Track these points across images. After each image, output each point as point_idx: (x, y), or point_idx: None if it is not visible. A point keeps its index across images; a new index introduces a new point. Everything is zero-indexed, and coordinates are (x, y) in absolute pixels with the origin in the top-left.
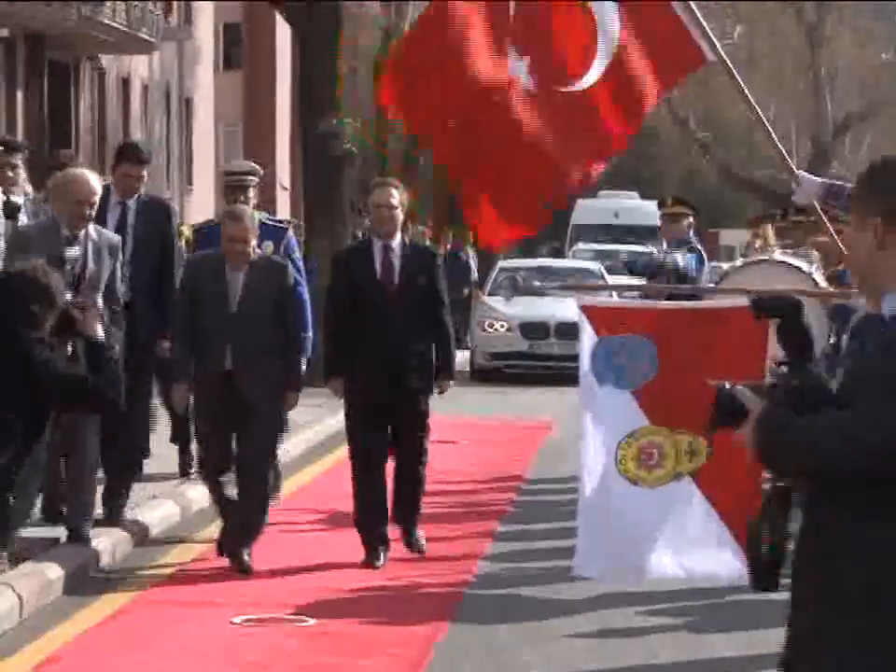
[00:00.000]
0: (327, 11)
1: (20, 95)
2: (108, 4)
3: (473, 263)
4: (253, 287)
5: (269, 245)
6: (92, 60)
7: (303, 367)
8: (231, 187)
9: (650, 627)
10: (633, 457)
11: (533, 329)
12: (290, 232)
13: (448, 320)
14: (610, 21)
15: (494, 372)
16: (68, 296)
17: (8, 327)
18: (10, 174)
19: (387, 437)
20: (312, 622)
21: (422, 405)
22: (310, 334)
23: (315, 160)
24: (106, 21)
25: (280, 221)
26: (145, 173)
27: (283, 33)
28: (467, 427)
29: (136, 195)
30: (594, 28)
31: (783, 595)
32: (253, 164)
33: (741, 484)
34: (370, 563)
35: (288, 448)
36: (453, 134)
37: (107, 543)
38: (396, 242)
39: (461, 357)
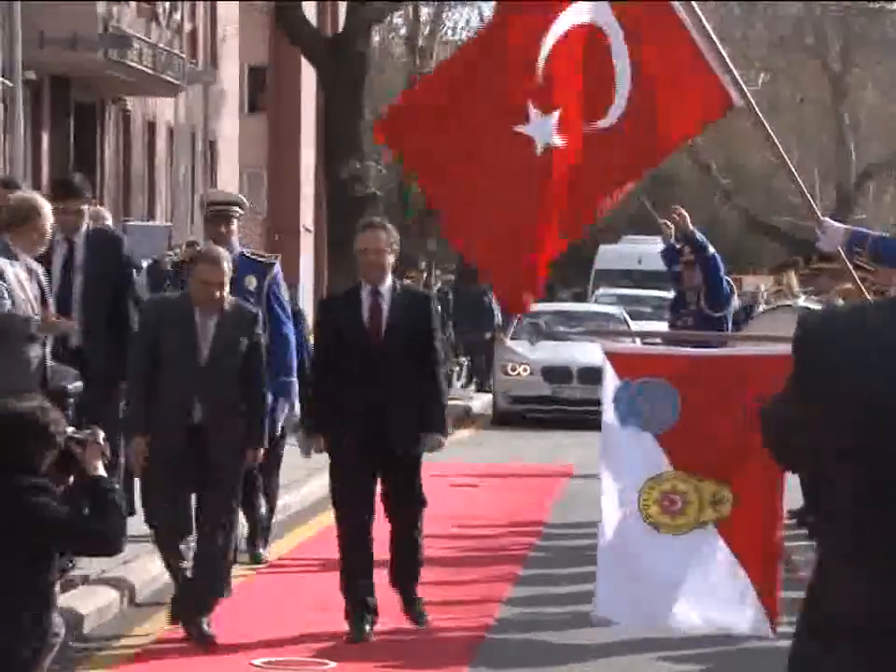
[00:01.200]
0: (351, 54)
1: (45, 138)
2: (135, 47)
3: (497, 306)
4: (225, 337)
5: (251, 281)
6: (118, 102)
7: (294, 411)
8: (214, 217)
9: None
10: (655, 502)
11: (555, 374)
12: (278, 268)
13: (441, 371)
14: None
15: (515, 416)
16: (69, 430)
17: (4, 472)
18: None
19: (373, 499)
20: (332, 664)
21: (412, 468)
22: (294, 378)
23: (339, 202)
24: (132, 64)
25: (263, 256)
26: (84, 207)
27: (308, 76)
28: (487, 471)
29: (81, 230)
30: (612, 65)
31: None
32: (237, 195)
33: (765, 537)
34: (352, 636)
35: (305, 492)
36: (458, 199)
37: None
38: (385, 286)
39: (483, 401)
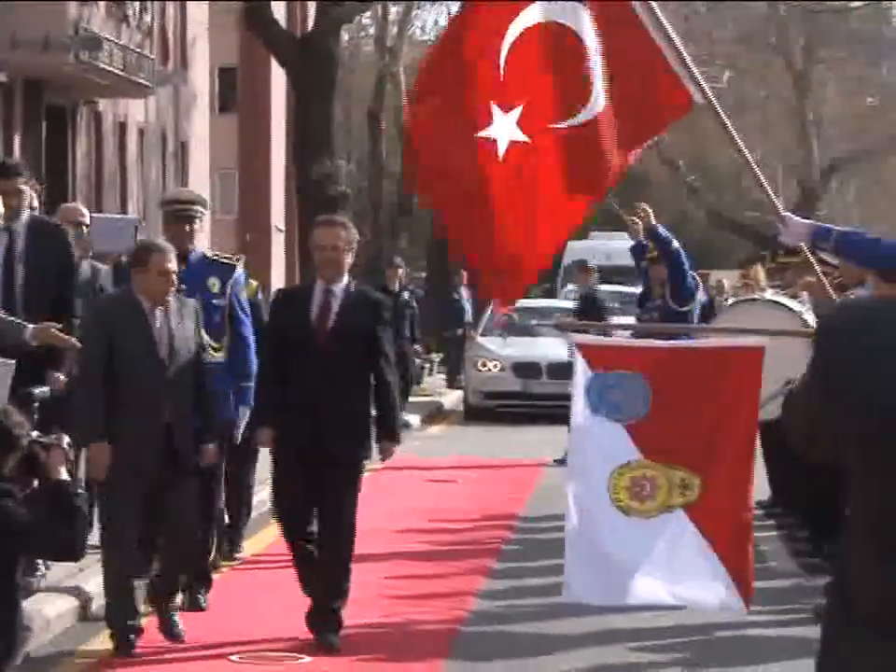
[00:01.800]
0: (321, 54)
1: (17, 140)
2: (105, 49)
3: (468, 304)
4: (177, 329)
5: (214, 283)
6: (89, 104)
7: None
8: (177, 216)
9: (641, 664)
10: (625, 488)
11: (526, 369)
12: (239, 269)
13: (391, 376)
14: (596, 58)
15: (487, 412)
16: (33, 434)
17: None
18: None
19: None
20: (307, 659)
21: (349, 478)
22: (251, 383)
23: (310, 201)
24: (103, 66)
25: (226, 257)
26: (24, 188)
27: (278, 76)
28: (461, 466)
29: (22, 218)
30: (588, 63)
31: (768, 632)
32: (200, 194)
33: (734, 519)
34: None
35: None
36: (456, 202)
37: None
38: (339, 286)
39: (454, 397)
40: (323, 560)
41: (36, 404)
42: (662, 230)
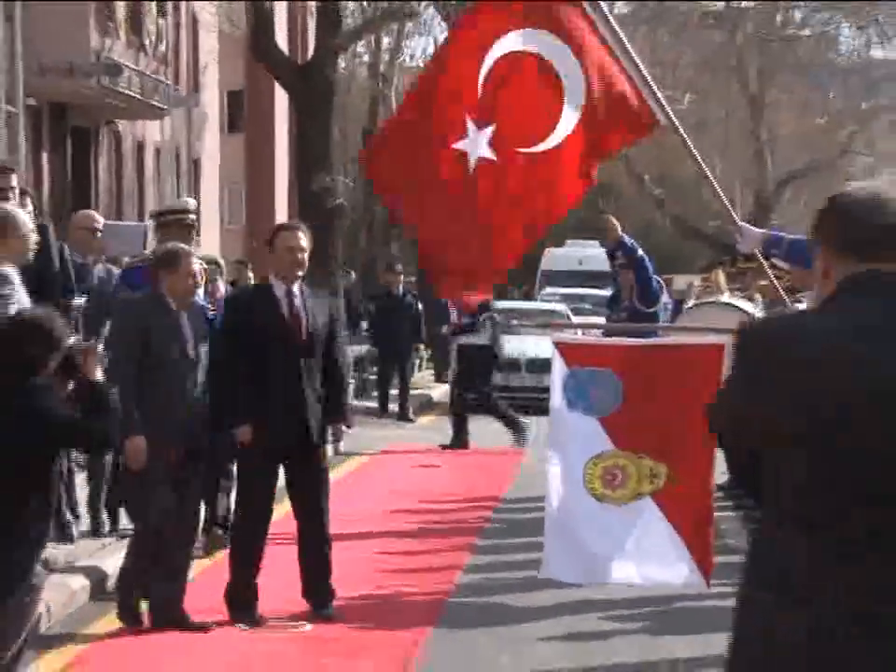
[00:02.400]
0: (320, 79)
1: (45, 158)
2: (124, 75)
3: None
4: (196, 330)
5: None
6: (110, 125)
7: None
8: (182, 224)
9: (612, 631)
10: (599, 477)
11: (506, 365)
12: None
13: (345, 366)
14: (576, 81)
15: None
16: (71, 339)
17: (9, 372)
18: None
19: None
20: (309, 627)
21: (324, 461)
22: None
23: (311, 212)
24: (123, 90)
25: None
26: (13, 185)
27: (281, 99)
28: (447, 453)
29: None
30: (561, 89)
31: (723, 603)
32: (192, 201)
33: (697, 504)
34: (321, 615)
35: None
36: (419, 201)
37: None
38: (297, 286)
39: (442, 390)
40: (311, 542)
41: (74, 313)
42: (628, 239)
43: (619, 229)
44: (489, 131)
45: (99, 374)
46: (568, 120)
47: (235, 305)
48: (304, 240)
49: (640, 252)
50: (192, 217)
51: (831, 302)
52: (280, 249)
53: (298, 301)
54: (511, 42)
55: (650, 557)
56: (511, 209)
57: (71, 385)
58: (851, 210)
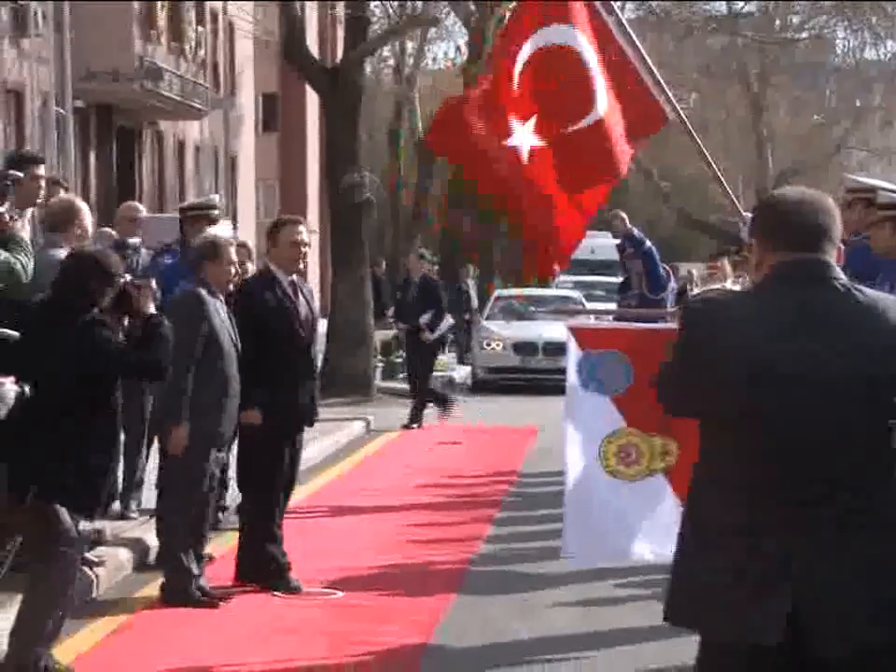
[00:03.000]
0: (349, 83)
1: (92, 158)
2: (166, 79)
3: (473, 293)
4: (232, 319)
5: None
6: (152, 126)
7: None
8: (205, 220)
9: (623, 598)
10: (613, 454)
11: (524, 348)
12: None
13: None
14: (599, 72)
15: (491, 384)
16: (127, 276)
17: (69, 304)
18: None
19: None
20: (339, 594)
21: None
22: None
23: (340, 207)
24: (164, 93)
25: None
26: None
27: (312, 101)
28: (469, 431)
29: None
30: (590, 74)
31: None
32: (216, 197)
33: None
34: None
35: (317, 449)
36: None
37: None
38: (294, 277)
39: (464, 372)
40: (281, 515)
41: (130, 251)
42: (637, 232)
43: (627, 222)
44: (532, 122)
45: (152, 308)
46: (601, 105)
47: (246, 293)
48: (306, 234)
49: (648, 244)
50: (216, 212)
51: (762, 287)
52: (284, 243)
53: (300, 294)
54: (542, 38)
55: (661, 534)
56: (571, 181)
57: (126, 321)
58: (781, 209)
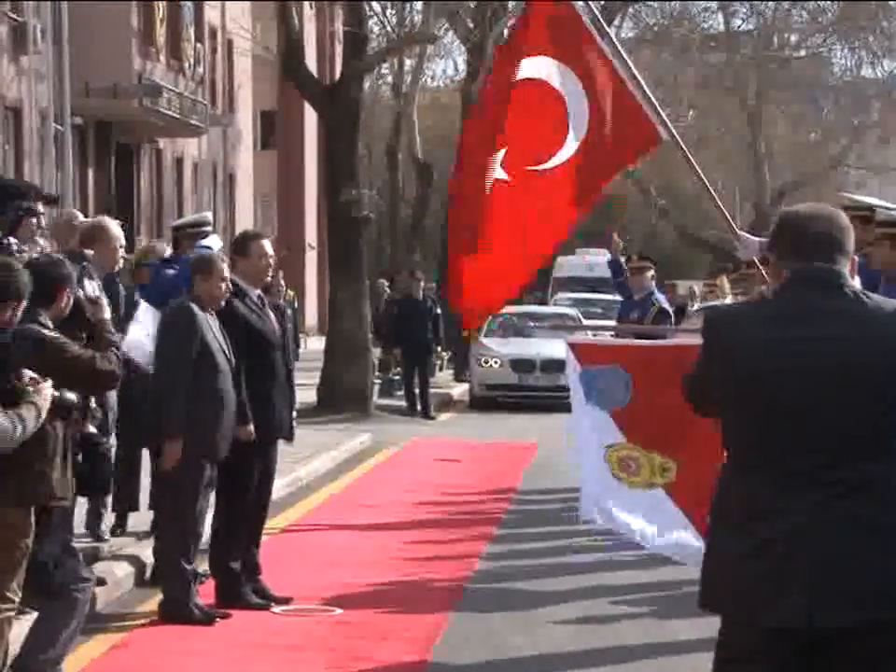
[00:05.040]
0: (347, 99)
1: (91, 174)
2: (165, 96)
3: None
4: (224, 334)
5: None
6: (151, 142)
7: None
8: (197, 237)
9: (622, 615)
10: (615, 462)
11: (521, 365)
12: None
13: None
14: (580, 104)
15: (489, 401)
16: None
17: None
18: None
19: None
20: (338, 611)
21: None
22: None
23: (339, 223)
24: (163, 110)
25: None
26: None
27: (310, 117)
28: (466, 448)
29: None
30: (565, 111)
31: None
32: (209, 214)
33: (707, 494)
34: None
35: (312, 466)
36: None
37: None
38: (259, 292)
39: (461, 389)
40: (256, 526)
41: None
42: (621, 262)
43: (618, 247)
44: (500, 154)
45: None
46: (569, 148)
47: (234, 311)
48: (271, 247)
49: (620, 280)
50: (209, 228)
51: (779, 293)
52: (255, 256)
53: (267, 305)
54: (524, 70)
55: (663, 533)
56: (523, 228)
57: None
58: (799, 222)
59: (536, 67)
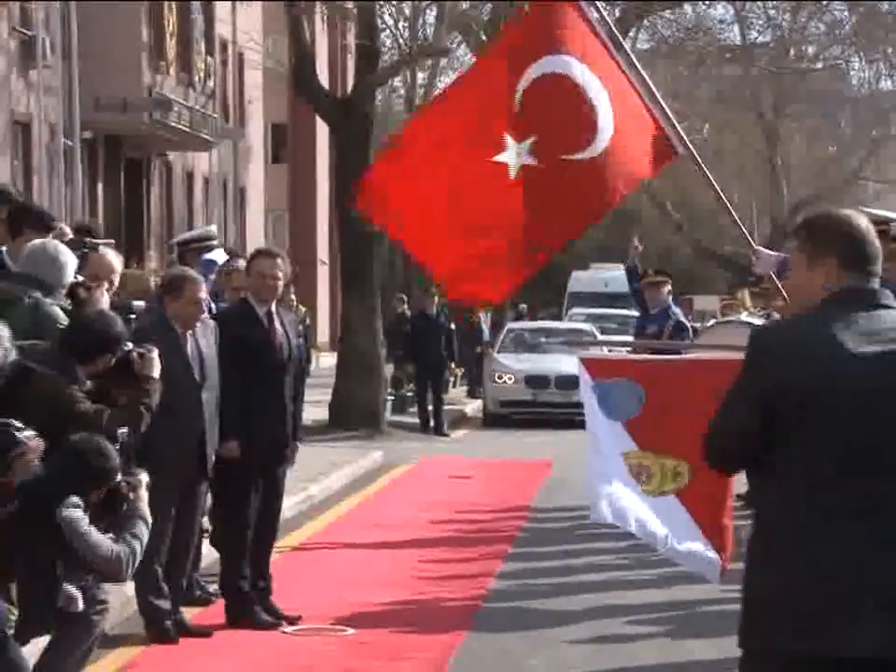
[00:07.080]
0: (359, 113)
1: (100, 189)
2: (175, 110)
3: (485, 326)
4: (206, 350)
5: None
6: (161, 157)
7: None
8: (202, 252)
9: (636, 635)
10: (630, 468)
11: (536, 381)
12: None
13: (303, 393)
14: (604, 103)
15: (502, 418)
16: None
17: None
18: None
19: None
20: (351, 631)
21: (284, 472)
22: None
23: (350, 238)
24: (173, 124)
25: None
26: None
27: (322, 131)
28: (480, 465)
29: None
30: (592, 107)
31: None
32: (213, 228)
33: (717, 507)
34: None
35: (326, 483)
36: (421, 221)
37: None
38: (272, 308)
39: (475, 405)
40: (264, 547)
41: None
42: (637, 268)
43: (636, 254)
44: (529, 141)
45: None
46: (601, 141)
47: (227, 325)
48: (279, 268)
49: (636, 287)
50: (214, 242)
51: (834, 306)
52: (254, 274)
53: (277, 322)
54: (545, 66)
55: (676, 540)
56: (557, 204)
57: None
58: (857, 235)
59: (556, 64)
